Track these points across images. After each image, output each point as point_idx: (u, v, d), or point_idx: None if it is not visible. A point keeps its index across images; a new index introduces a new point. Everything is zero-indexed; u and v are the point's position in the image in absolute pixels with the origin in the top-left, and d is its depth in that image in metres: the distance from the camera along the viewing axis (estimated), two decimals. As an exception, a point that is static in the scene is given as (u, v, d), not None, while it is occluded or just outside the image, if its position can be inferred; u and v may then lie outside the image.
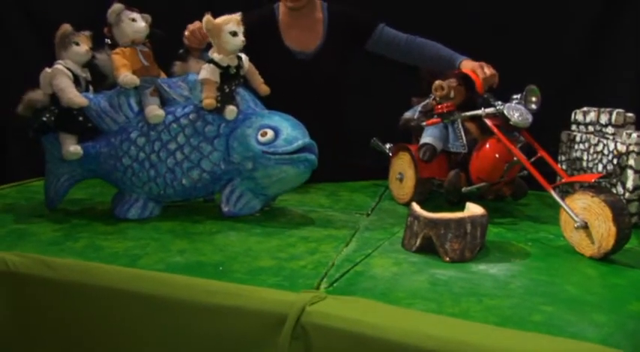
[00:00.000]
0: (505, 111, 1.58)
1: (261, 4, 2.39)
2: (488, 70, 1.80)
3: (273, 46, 2.13)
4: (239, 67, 1.65)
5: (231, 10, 1.62)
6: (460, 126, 1.72)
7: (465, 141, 1.71)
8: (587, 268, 1.30)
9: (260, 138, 1.59)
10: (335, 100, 2.20)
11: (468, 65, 1.86)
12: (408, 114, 1.88)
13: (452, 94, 1.72)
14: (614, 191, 1.61)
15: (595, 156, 1.71)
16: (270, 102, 1.73)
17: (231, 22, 1.59)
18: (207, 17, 1.57)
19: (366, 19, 2.15)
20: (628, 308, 1.09)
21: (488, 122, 1.61)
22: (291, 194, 1.82)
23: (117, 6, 1.59)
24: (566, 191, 1.75)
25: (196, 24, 1.82)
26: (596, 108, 1.78)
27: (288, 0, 2.10)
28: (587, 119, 1.80)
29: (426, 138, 1.73)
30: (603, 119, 1.72)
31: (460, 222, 1.32)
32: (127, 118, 1.64)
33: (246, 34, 1.73)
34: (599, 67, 2.27)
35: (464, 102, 1.73)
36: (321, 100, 2.10)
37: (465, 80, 1.75)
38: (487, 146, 1.63)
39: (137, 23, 1.60)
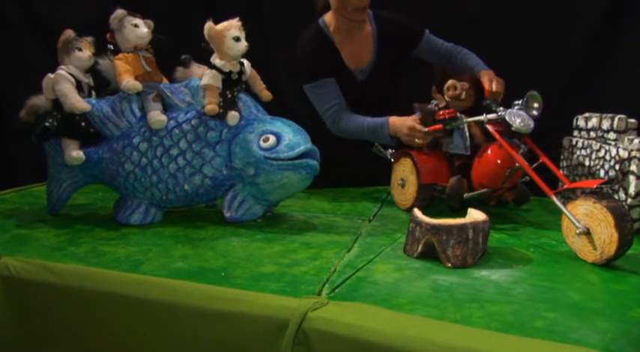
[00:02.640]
0: (507, 117, 1.58)
1: (260, 7, 2.40)
2: (495, 86, 1.79)
3: (335, 68, 2.02)
4: (241, 72, 1.65)
5: (232, 15, 1.62)
6: (466, 128, 1.71)
7: (468, 144, 1.70)
8: (589, 274, 1.29)
9: (262, 143, 1.59)
10: (380, 110, 2.03)
11: (485, 75, 1.84)
12: None
13: (463, 96, 1.72)
14: (617, 197, 1.61)
15: (597, 161, 1.71)
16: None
17: (233, 27, 1.59)
18: (209, 24, 1.58)
19: (414, 27, 2.07)
20: (631, 315, 1.09)
21: (490, 128, 1.61)
22: (293, 200, 1.82)
23: (119, 12, 1.59)
24: (568, 197, 1.75)
25: None
26: (598, 114, 1.77)
27: (355, 14, 1.96)
28: (589, 125, 1.80)
29: None
30: (605, 125, 1.72)
31: (462, 227, 1.32)
32: (129, 124, 1.64)
33: (307, 63, 1.86)
34: (601, 73, 2.27)
35: (472, 106, 1.73)
36: (366, 111, 2.02)
37: (477, 85, 1.75)
38: (489, 152, 1.63)
39: (139, 29, 1.61)
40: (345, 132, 2.02)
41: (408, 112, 1.87)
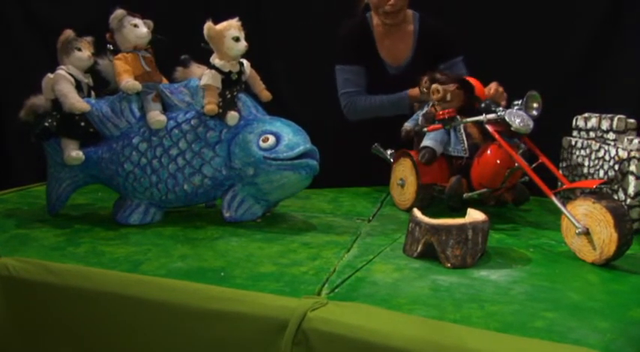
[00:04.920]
0: (506, 117, 1.58)
1: (260, 7, 2.41)
2: (498, 88, 1.81)
3: (369, 58, 2.16)
4: (241, 72, 1.65)
5: (231, 15, 1.63)
6: (462, 130, 1.73)
7: (466, 146, 1.71)
8: (588, 274, 1.29)
9: (261, 143, 1.59)
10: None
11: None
12: (408, 126, 1.89)
13: (448, 97, 1.73)
14: (616, 197, 1.61)
15: (596, 162, 1.71)
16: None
17: (233, 27, 1.59)
18: (209, 24, 1.58)
19: (452, 43, 2.15)
20: (630, 315, 1.09)
21: (489, 128, 1.61)
22: (293, 200, 1.82)
23: (119, 12, 1.59)
24: (568, 197, 1.75)
25: None
26: (597, 114, 1.78)
27: (385, 17, 2.08)
28: (589, 125, 1.80)
29: (427, 141, 1.74)
30: (604, 125, 1.72)
31: (461, 228, 1.32)
32: (128, 124, 1.64)
33: (342, 46, 1.96)
34: (600, 73, 2.27)
35: (463, 106, 1.73)
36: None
37: (464, 85, 1.75)
38: (488, 152, 1.63)
39: (139, 29, 1.61)
40: (364, 111, 2.16)
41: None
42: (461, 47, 2.15)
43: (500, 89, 1.82)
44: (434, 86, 1.75)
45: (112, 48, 1.63)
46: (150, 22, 1.64)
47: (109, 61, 1.63)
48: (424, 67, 2.03)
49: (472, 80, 1.75)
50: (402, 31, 2.17)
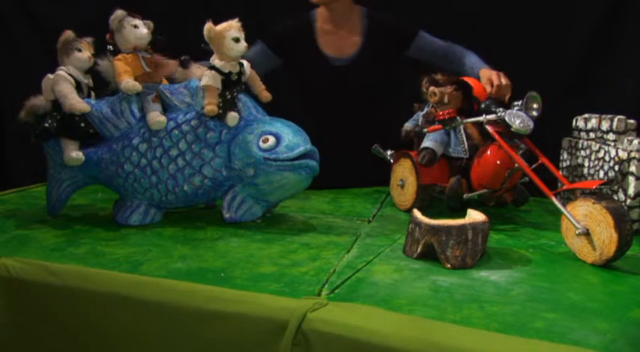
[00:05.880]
0: (506, 118, 1.58)
1: (260, 7, 2.41)
2: (504, 80, 1.80)
3: (309, 53, 2.17)
4: (240, 73, 1.65)
5: (231, 15, 1.63)
6: (462, 131, 1.73)
7: (466, 146, 1.71)
8: (588, 275, 1.30)
9: (261, 144, 1.59)
10: (367, 107, 2.20)
11: (485, 73, 1.85)
12: (408, 126, 1.89)
13: (446, 100, 1.74)
14: (616, 197, 1.61)
15: (596, 162, 1.71)
16: (305, 109, 1.88)
17: (233, 28, 1.59)
18: (209, 25, 1.58)
19: (406, 28, 2.15)
20: (630, 315, 1.09)
21: (489, 129, 1.61)
22: (293, 200, 1.82)
23: (119, 12, 1.59)
24: (568, 198, 1.75)
25: None
26: (597, 115, 1.78)
27: None
28: (589, 126, 1.80)
29: (427, 142, 1.74)
30: (604, 126, 1.72)
31: (461, 228, 1.32)
32: (128, 124, 1.64)
33: (281, 42, 1.94)
34: (601, 74, 2.27)
35: (462, 108, 1.74)
36: (354, 107, 2.13)
37: (462, 86, 1.75)
38: (488, 153, 1.63)
39: (139, 29, 1.61)
40: None
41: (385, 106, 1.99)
42: (414, 25, 2.15)
43: (500, 80, 1.80)
44: (431, 89, 1.76)
45: (112, 48, 1.63)
46: (150, 23, 1.64)
47: (108, 61, 1.63)
48: (374, 58, 2.10)
49: (471, 81, 1.75)
50: (348, 26, 2.17)
